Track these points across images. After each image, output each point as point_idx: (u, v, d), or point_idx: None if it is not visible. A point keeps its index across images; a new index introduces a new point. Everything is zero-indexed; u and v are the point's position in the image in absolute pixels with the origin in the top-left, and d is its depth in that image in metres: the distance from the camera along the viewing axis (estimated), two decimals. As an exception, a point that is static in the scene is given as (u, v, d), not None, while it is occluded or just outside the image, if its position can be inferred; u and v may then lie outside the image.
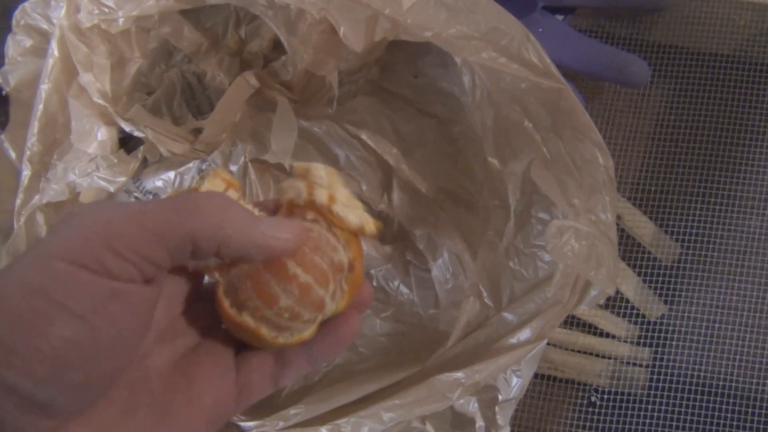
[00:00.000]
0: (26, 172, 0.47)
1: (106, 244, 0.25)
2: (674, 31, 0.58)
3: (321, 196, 0.31)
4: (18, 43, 0.47)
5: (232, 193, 0.32)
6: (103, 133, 0.44)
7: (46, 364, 0.24)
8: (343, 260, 0.31)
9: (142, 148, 0.46)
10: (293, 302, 0.30)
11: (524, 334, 0.42)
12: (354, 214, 0.32)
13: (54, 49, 0.45)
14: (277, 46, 0.52)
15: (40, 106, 0.46)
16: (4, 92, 0.47)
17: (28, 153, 0.47)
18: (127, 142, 0.47)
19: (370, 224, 0.32)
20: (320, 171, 0.32)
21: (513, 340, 0.42)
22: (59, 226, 0.26)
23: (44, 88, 0.46)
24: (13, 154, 0.48)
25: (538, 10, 0.54)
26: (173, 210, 0.27)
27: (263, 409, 0.48)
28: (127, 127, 0.45)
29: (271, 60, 0.52)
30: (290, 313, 0.30)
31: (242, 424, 0.45)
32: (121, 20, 0.44)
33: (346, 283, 0.31)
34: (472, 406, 0.45)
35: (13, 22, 0.47)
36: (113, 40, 0.46)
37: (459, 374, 0.42)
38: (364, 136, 0.50)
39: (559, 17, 0.56)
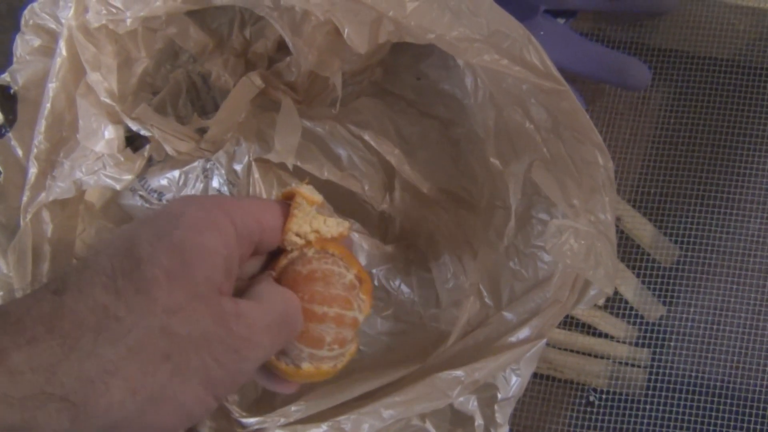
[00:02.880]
0: (33, 170, 0.47)
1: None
2: (674, 35, 0.58)
3: (308, 234, 0.35)
4: (26, 42, 0.48)
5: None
6: (110, 132, 0.45)
7: None
8: (352, 279, 0.35)
9: (148, 146, 0.47)
10: (335, 333, 0.34)
11: (524, 332, 0.42)
12: (330, 225, 0.35)
13: (62, 48, 0.45)
14: (281, 48, 0.53)
15: (48, 105, 0.46)
16: (12, 91, 0.48)
17: (35, 151, 0.47)
18: (133, 141, 0.47)
19: (344, 224, 0.36)
20: (299, 199, 0.35)
21: (512, 339, 0.43)
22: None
23: (52, 86, 0.46)
24: (20, 152, 0.48)
25: (540, 14, 0.54)
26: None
27: (264, 405, 0.49)
28: (134, 126, 0.45)
29: (276, 61, 0.52)
30: (338, 342, 0.34)
31: (243, 420, 0.46)
32: (128, 21, 0.44)
33: (362, 294, 0.35)
34: (471, 405, 0.45)
35: (22, 21, 0.48)
36: (120, 40, 0.47)
37: (459, 372, 0.42)
38: (366, 137, 0.51)
39: (561, 21, 0.56)
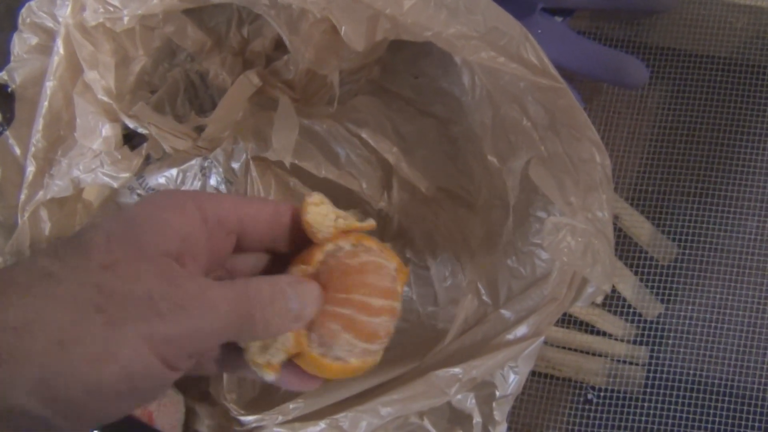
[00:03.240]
0: (31, 168, 0.47)
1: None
2: (672, 33, 0.58)
3: (338, 221, 0.34)
4: (24, 41, 0.48)
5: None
6: (108, 130, 0.45)
7: None
8: (394, 271, 0.34)
9: (145, 144, 0.47)
10: (387, 326, 0.33)
11: (521, 330, 0.42)
12: (357, 220, 0.35)
13: (59, 47, 0.45)
14: (278, 46, 0.53)
15: (45, 103, 0.46)
16: (9, 89, 0.48)
17: (32, 149, 0.47)
18: (131, 139, 0.47)
19: (370, 220, 0.35)
20: (318, 213, 0.34)
21: (510, 336, 0.43)
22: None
23: (49, 85, 0.46)
24: (18, 151, 0.48)
25: (538, 12, 0.54)
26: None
27: (262, 403, 0.49)
28: (132, 124, 0.45)
29: (273, 59, 0.52)
30: (388, 336, 0.34)
31: (242, 418, 0.46)
32: (126, 19, 0.44)
33: (400, 286, 0.35)
34: (469, 402, 0.45)
35: (20, 20, 0.48)
36: (118, 38, 0.47)
37: (457, 369, 0.42)
38: (364, 135, 0.51)
39: (558, 19, 0.56)
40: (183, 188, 0.49)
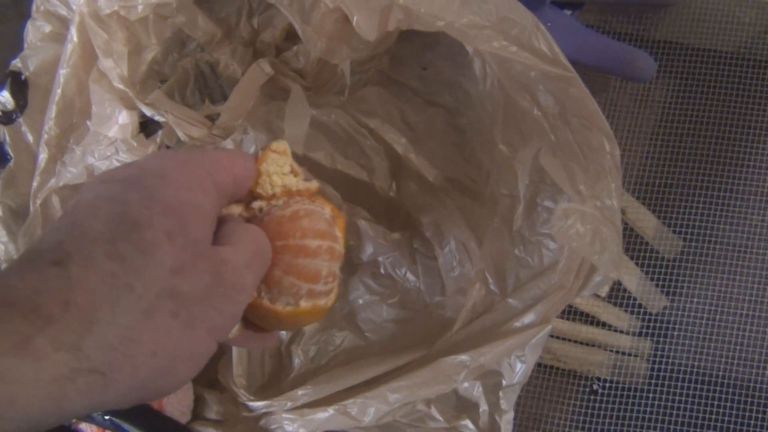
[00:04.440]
0: (43, 155, 0.48)
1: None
2: (680, 27, 0.59)
3: (276, 188, 0.35)
4: (37, 28, 0.48)
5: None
6: (124, 117, 0.45)
7: None
8: (329, 215, 0.35)
9: (161, 132, 0.47)
10: (329, 266, 0.34)
11: (528, 317, 0.43)
12: (298, 181, 0.35)
13: (73, 34, 0.46)
14: (289, 37, 0.53)
15: (59, 91, 0.47)
16: (23, 77, 0.48)
17: (45, 137, 0.47)
18: (145, 127, 0.48)
19: (313, 183, 0.36)
20: (273, 162, 0.35)
21: (517, 324, 0.43)
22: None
23: (63, 73, 0.46)
24: (30, 138, 0.49)
25: (547, 5, 0.55)
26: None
27: (271, 389, 0.49)
28: (148, 112, 0.46)
29: (283, 50, 0.53)
30: (331, 275, 0.34)
31: (251, 404, 0.46)
32: (140, 7, 0.45)
33: (338, 230, 0.35)
34: (476, 391, 0.45)
35: (33, 7, 0.48)
36: (131, 27, 0.47)
37: (464, 357, 0.42)
38: (373, 125, 0.51)
39: (568, 12, 0.57)
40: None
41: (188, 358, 0.28)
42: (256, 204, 0.34)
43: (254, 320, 0.34)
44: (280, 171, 0.35)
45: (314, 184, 0.36)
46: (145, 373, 0.26)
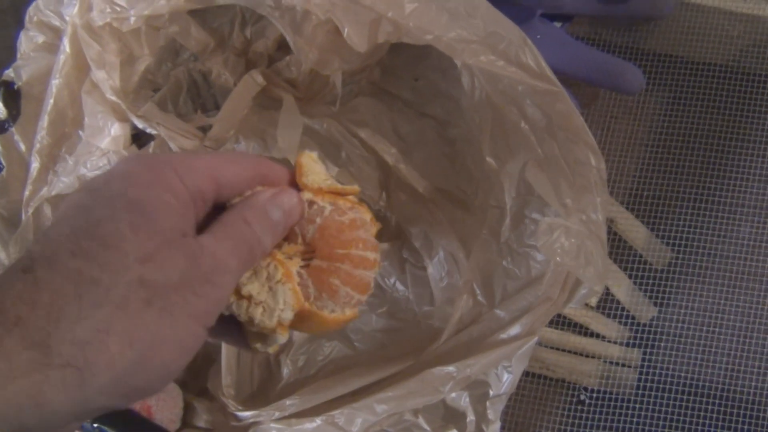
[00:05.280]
0: (35, 165, 0.48)
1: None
2: (669, 40, 0.59)
3: (322, 182, 0.35)
4: (30, 39, 0.48)
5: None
6: (117, 129, 0.45)
7: None
8: (369, 224, 0.35)
9: (153, 143, 0.47)
10: (375, 278, 0.35)
11: (515, 329, 0.43)
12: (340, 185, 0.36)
13: (66, 45, 0.46)
14: (281, 47, 0.54)
15: (51, 101, 0.47)
16: (15, 86, 0.49)
17: (37, 146, 0.48)
18: (139, 138, 0.48)
19: (354, 186, 0.37)
20: (312, 163, 0.36)
21: (504, 336, 0.43)
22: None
23: (55, 83, 0.47)
24: (23, 147, 0.49)
25: (537, 17, 0.55)
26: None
27: (260, 399, 0.49)
28: (140, 124, 0.46)
29: (276, 60, 0.53)
30: (371, 288, 0.35)
31: (239, 413, 0.46)
32: (132, 19, 0.45)
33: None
34: (463, 401, 0.46)
35: (26, 18, 0.48)
36: (123, 38, 0.48)
37: (451, 368, 0.43)
38: (364, 135, 0.51)
39: (557, 25, 0.57)
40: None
41: (171, 345, 0.28)
42: (306, 195, 0.34)
43: (295, 321, 0.34)
44: (319, 172, 0.35)
45: (356, 187, 0.36)
46: (123, 364, 0.26)
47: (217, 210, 0.32)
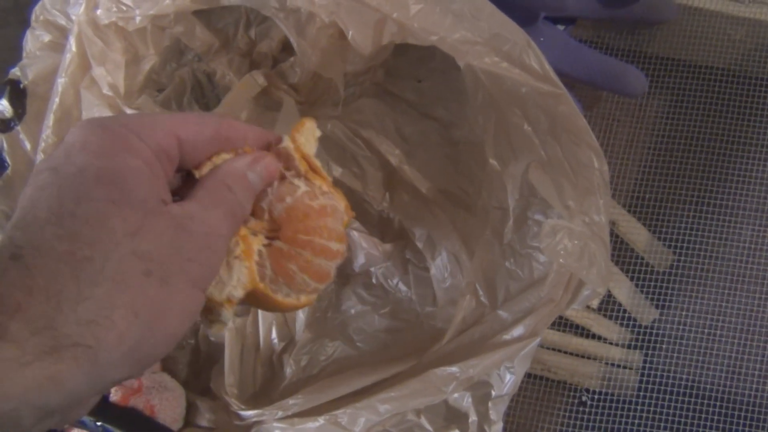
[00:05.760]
0: (40, 163, 0.48)
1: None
2: (672, 43, 0.59)
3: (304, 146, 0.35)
4: (36, 38, 0.48)
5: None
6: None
7: None
8: (342, 213, 0.35)
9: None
10: (336, 268, 0.34)
11: (518, 330, 0.43)
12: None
13: (72, 44, 0.46)
14: (285, 48, 0.54)
15: (56, 100, 0.47)
16: (21, 85, 0.49)
17: (42, 145, 0.48)
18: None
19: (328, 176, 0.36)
20: (312, 131, 0.35)
21: (507, 337, 0.43)
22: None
23: (61, 82, 0.47)
24: (28, 146, 0.49)
25: (541, 20, 0.55)
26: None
27: (263, 398, 0.50)
28: (135, 119, 0.46)
29: (280, 61, 0.53)
30: (331, 277, 0.35)
31: (242, 412, 0.47)
32: (138, 18, 0.45)
33: (344, 226, 0.35)
34: (466, 401, 0.46)
35: (32, 17, 0.48)
36: (129, 37, 0.48)
37: (454, 368, 0.43)
38: (367, 136, 0.52)
39: (561, 27, 0.57)
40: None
41: (175, 312, 0.28)
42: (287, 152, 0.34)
43: (248, 299, 0.34)
44: (312, 143, 0.35)
45: (329, 178, 0.36)
46: (132, 337, 0.26)
47: (189, 179, 0.32)
